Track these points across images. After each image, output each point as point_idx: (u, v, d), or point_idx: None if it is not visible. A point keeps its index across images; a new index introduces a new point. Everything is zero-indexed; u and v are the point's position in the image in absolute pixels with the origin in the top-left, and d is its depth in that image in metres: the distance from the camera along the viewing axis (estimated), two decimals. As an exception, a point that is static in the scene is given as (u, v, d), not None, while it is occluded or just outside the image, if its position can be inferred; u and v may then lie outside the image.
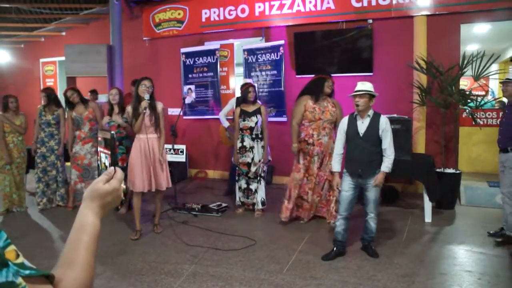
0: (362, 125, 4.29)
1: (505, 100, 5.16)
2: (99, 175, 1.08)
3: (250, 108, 5.91)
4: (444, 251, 4.59)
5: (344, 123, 4.42)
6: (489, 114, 6.98)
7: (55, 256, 4.51)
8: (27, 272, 0.78)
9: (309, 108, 5.41)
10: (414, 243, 4.80)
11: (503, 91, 4.83)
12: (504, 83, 4.74)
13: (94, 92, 8.61)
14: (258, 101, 6.15)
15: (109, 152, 1.15)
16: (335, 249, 4.43)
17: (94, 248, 0.98)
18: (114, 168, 1.10)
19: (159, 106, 5.16)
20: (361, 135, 4.26)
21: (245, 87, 6.02)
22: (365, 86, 4.22)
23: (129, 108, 5.15)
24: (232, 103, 7.00)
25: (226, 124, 6.95)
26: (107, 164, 1.19)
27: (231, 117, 6.90)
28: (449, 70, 6.23)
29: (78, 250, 0.95)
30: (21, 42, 11.05)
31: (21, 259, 0.79)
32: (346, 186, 4.37)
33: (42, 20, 9.90)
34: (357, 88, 4.24)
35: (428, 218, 5.53)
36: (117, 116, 5.99)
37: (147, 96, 4.98)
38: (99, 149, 1.28)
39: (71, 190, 6.49)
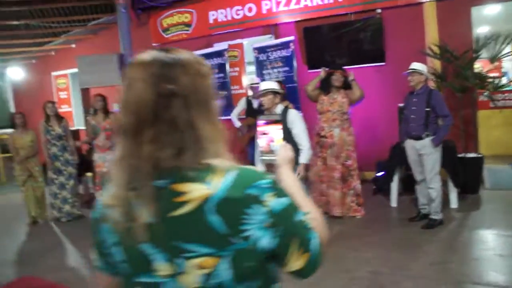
0: None
1: None
2: (270, 151, 1.38)
3: None
4: (473, 236, 4.56)
5: None
6: (506, 96, 6.87)
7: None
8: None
9: (320, 99, 5.50)
10: (442, 230, 4.75)
11: (409, 81, 4.93)
12: (409, 73, 4.90)
13: None
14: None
15: (281, 127, 1.41)
16: None
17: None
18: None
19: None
20: None
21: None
22: (267, 85, 4.38)
23: None
24: (242, 103, 7.03)
25: (238, 124, 6.97)
26: (280, 138, 1.46)
27: (243, 117, 6.96)
28: (464, 54, 6.15)
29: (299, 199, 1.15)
30: (33, 57, 11.17)
31: None
32: None
33: (51, 34, 10.00)
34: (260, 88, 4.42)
35: (454, 204, 5.45)
36: None
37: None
38: (270, 127, 1.40)
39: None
